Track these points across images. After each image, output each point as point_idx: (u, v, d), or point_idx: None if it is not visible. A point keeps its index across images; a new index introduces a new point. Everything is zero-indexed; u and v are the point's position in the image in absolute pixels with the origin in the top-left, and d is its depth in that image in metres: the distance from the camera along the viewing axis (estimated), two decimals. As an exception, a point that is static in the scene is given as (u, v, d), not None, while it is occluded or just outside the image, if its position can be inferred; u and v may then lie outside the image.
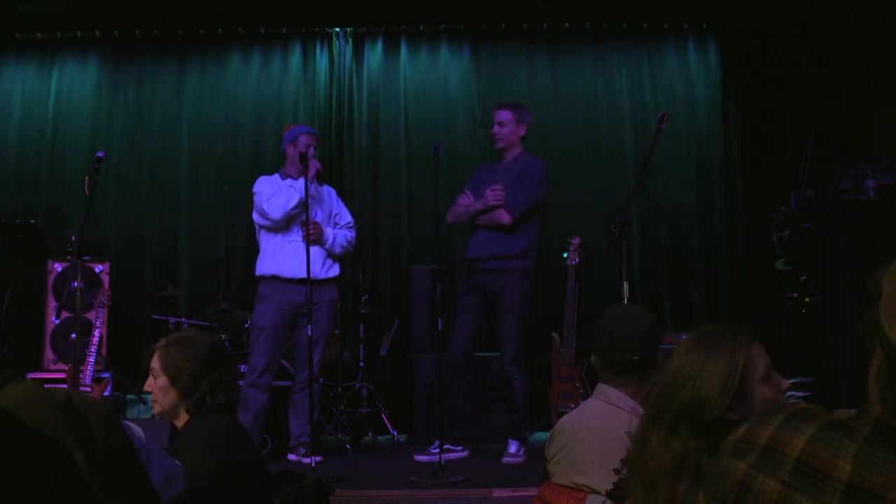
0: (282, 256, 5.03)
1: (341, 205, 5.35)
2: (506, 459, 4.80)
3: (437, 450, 4.75)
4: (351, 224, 5.30)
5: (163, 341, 2.59)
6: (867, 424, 1.09)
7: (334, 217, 5.25)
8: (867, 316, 1.10)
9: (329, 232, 5.10)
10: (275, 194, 5.05)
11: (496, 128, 5.05)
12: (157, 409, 2.57)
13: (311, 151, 5.02)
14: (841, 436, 1.10)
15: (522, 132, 5.06)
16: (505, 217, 4.90)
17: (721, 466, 1.21)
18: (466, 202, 5.06)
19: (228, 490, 2.30)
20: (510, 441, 4.90)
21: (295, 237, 5.04)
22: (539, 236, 5.12)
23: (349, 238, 5.24)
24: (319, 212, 5.14)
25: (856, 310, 1.14)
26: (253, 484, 2.40)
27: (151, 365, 2.57)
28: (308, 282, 4.68)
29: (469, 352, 5.08)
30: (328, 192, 5.31)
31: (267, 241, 5.10)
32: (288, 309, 5.00)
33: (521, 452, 4.85)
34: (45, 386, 1.25)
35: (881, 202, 4.95)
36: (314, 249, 4.94)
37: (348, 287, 6.25)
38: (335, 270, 5.17)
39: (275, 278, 5.02)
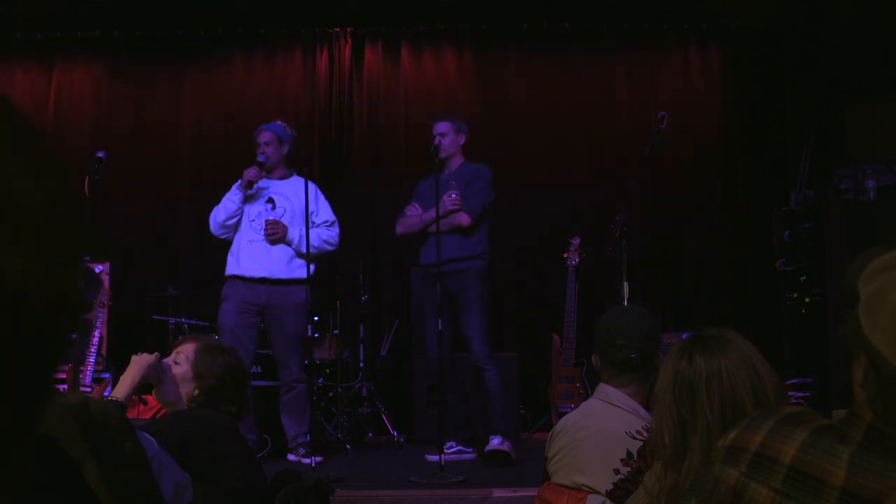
0: (242, 256, 5.00)
1: (320, 202, 5.20)
2: (490, 446, 4.72)
3: (450, 448, 4.75)
4: (329, 222, 5.17)
5: (203, 339, 2.64)
6: (860, 430, 1.08)
7: (311, 215, 5.08)
8: (848, 319, 1.09)
9: (294, 231, 4.99)
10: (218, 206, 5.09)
11: (437, 139, 5.11)
12: (157, 395, 2.57)
13: (260, 151, 5.09)
14: (833, 441, 1.08)
15: (462, 141, 5.17)
16: (465, 218, 4.95)
17: (713, 473, 1.20)
18: (415, 212, 5.13)
19: (210, 484, 2.31)
20: (490, 437, 4.80)
21: (256, 236, 4.98)
22: (490, 240, 5.16)
23: (324, 237, 5.09)
24: (287, 209, 5.04)
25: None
26: (238, 478, 2.40)
27: (180, 349, 2.57)
28: (308, 282, 4.69)
29: (449, 353, 4.99)
30: (303, 189, 5.13)
31: (233, 241, 5.09)
32: (248, 307, 4.94)
33: (505, 443, 4.74)
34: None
35: (881, 202, 4.95)
36: (277, 248, 4.90)
37: (348, 287, 6.25)
38: (304, 271, 4.98)
39: (235, 278, 5.00)
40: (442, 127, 5.14)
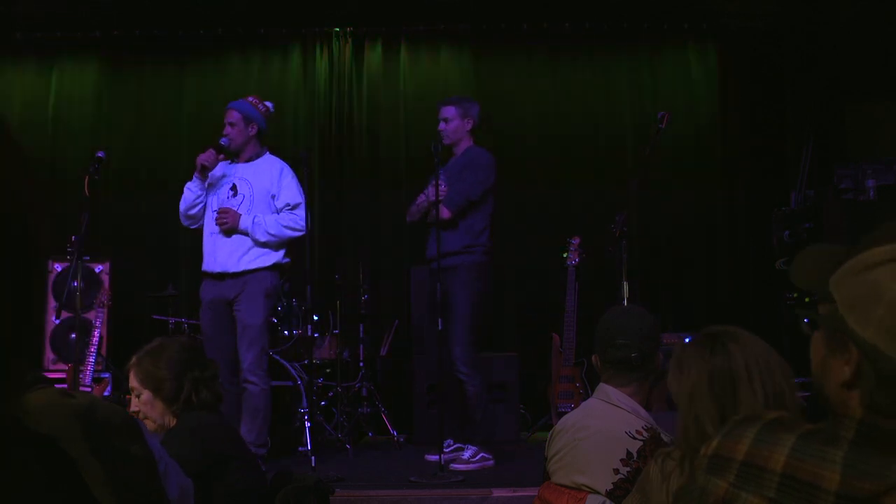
0: (206, 250, 4.74)
1: (284, 183, 4.73)
2: (454, 465, 4.56)
3: (448, 447, 4.72)
4: (292, 205, 4.70)
5: (134, 359, 2.59)
6: (850, 428, 1.06)
7: (272, 199, 4.73)
8: (825, 320, 1.09)
9: (246, 219, 4.61)
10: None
11: (441, 125, 4.91)
12: (150, 425, 2.57)
13: (224, 132, 4.74)
14: (823, 444, 1.07)
15: (469, 126, 4.91)
16: (444, 212, 4.68)
17: (698, 484, 1.17)
18: (423, 200, 4.87)
19: (212, 486, 2.32)
20: (466, 446, 4.71)
21: (215, 228, 4.68)
22: (490, 230, 4.86)
23: (284, 222, 4.66)
24: (247, 195, 4.68)
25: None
26: (238, 479, 2.41)
27: (130, 385, 2.58)
28: (310, 279, 4.64)
29: (437, 350, 4.78)
30: (269, 171, 4.76)
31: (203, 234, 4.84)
32: (219, 305, 4.64)
33: (476, 458, 4.64)
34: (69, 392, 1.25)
35: (881, 202, 4.96)
36: (234, 239, 4.61)
37: (348, 287, 6.25)
38: (266, 260, 4.64)
39: (204, 274, 4.75)
40: (446, 112, 4.92)
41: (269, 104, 4.93)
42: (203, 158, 4.70)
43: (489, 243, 4.87)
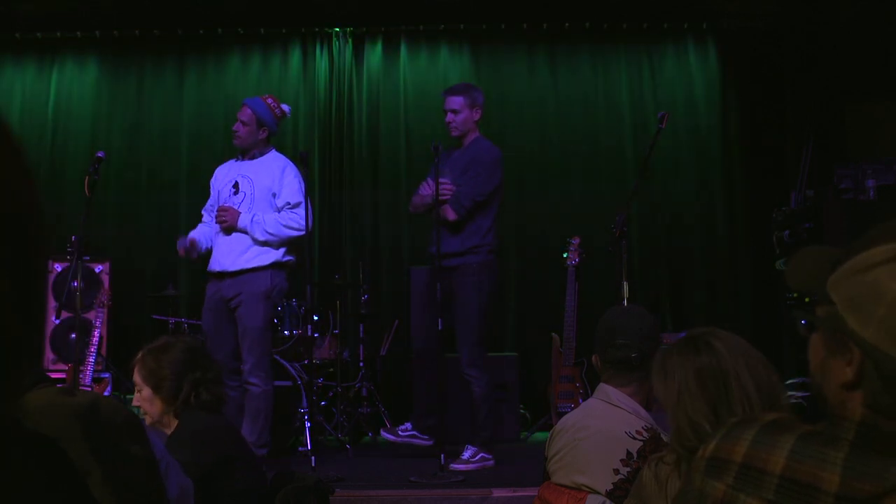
0: (214, 250, 4.72)
1: (285, 182, 4.66)
2: (453, 465, 4.50)
3: (405, 431, 4.72)
4: (292, 204, 4.63)
5: (140, 354, 2.61)
6: (850, 430, 1.06)
7: (272, 198, 4.66)
8: (824, 321, 1.08)
9: (245, 217, 4.57)
10: None
11: (449, 116, 4.76)
12: (148, 420, 2.59)
13: (235, 127, 4.75)
14: (822, 446, 1.07)
15: (477, 116, 4.78)
16: (450, 214, 4.60)
17: (695, 486, 1.16)
18: (427, 191, 4.70)
19: (213, 487, 2.32)
20: (466, 446, 4.67)
21: (217, 227, 4.67)
22: (496, 228, 4.81)
23: (283, 221, 4.58)
24: (248, 193, 4.64)
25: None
26: (238, 479, 2.41)
27: (134, 380, 2.60)
28: (310, 279, 4.64)
29: (436, 350, 4.67)
30: (272, 169, 4.70)
31: None
32: (219, 305, 4.62)
33: (475, 458, 4.60)
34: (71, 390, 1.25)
35: (881, 202, 4.95)
36: (233, 238, 4.57)
37: (348, 287, 6.25)
38: (263, 259, 4.57)
39: (207, 274, 4.74)
40: (454, 102, 4.76)
41: (285, 107, 4.89)
42: (182, 247, 4.75)
43: (496, 241, 4.82)
